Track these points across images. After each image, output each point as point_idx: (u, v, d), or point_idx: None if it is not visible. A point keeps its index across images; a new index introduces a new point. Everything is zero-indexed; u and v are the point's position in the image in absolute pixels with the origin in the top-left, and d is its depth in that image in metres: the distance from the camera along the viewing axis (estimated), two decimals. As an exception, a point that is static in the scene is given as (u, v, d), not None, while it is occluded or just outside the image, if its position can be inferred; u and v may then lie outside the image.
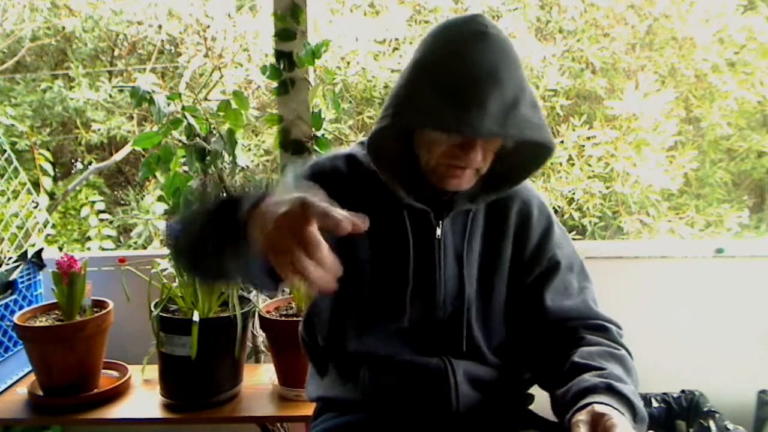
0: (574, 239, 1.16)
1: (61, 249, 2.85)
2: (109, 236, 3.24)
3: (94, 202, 3.32)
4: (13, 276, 1.75)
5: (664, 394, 1.85)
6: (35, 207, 1.98)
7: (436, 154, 0.95)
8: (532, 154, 0.99)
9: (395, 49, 3.07)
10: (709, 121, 3.06)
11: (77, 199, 3.37)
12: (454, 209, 1.03)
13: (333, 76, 1.87)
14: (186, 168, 1.67)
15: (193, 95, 2.86)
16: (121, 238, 3.38)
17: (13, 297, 1.75)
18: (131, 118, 3.53)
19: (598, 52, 3.06)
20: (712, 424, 1.71)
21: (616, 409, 0.82)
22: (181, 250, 0.91)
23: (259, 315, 1.63)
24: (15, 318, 1.61)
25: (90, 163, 3.73)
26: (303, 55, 1.74)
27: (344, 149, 1.10)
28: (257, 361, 1.85)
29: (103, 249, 3.15)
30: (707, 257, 1.91)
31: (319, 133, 1.77)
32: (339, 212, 0.71)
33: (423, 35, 0.99)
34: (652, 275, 1.92)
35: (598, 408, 0.82)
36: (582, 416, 0.82)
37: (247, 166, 1.68)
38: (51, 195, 3.22)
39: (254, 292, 1.68)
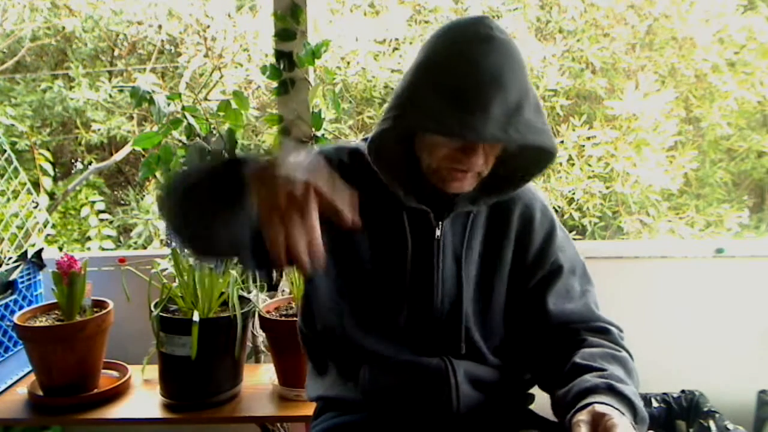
0: (574, 239, 1.16)
1: (61, 249, 2.85)
2: (109, 236, 3.25)
3: (94, 202, 3.32)
4: (13, 276, 1.75)
5: (664, 394, 1.85)
6: (35, 207, 1.98)
7: (438, 157, 0.94)
8: (534, 158, 0.99)
9: (395, 49, 3.07)
10: (709, 121, 3.06)
11: (77, 199, 3.37)
12: (454, 210, 1.03)
13: (333, 76, 1.87)
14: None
15: (193, 95, 2.86)
16: (121, 238, 3.38)
17: (13, 297, 1.75)
18: (131, 118, 3.53)
19: (598, 52, 3.06)
20: (712, 424, 1.71)
21: (616, 409, 0.83)
22: (175, 204, 0.86)
23: (259, 315, 1.63)
24: (15, 318, 1.61)
25: (90, 163, 3.73)
26: (303, 55, 1.74)
27: (350, 143, 1.09)
28: (257, 361, 1.85)
29: (103, 249, 3.15)
30: (707, 257, 1.91)
31: (319, 133, 1.77)
32: (342, 203, 0.72)
33: (426, 36, 0.99)
34: (652, 275, 1.92)
35: (599, 408, 0.82)
36: (583, 416, 0.82)
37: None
38: (51, 195, 3.22)
39: (254, 292, 1.68)
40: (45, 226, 1.99)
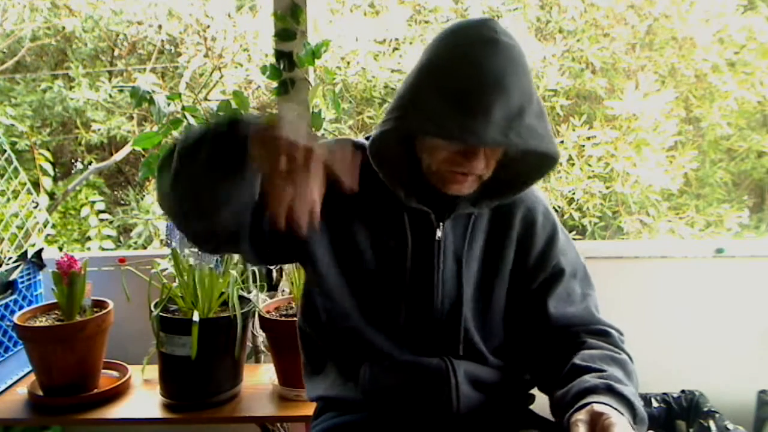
0: (574, 239, 1.16)
1: (61, 249, 2.85)
2: (109, 236, 3.25)
3: (94, 202, 3.32)
4: (13, 276, 1.75)
5: (664, 394, 1.85)
6: (35, 207, 1.98)
7: (438, 160, 0.94)
8: (536, 163, 0.99)
9: (395, 49, 3.07)
10: (709, 121, 3.06)
11: (77, 199, 3.37)
12: (455, 212, 1.03)
13: (333, 76, 1.87)
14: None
15: (193, 95, 2.86)
16: (121, 238, 3.38)
17: (13, 297, 1.75)
18: (131, 118, 3.53)
19: (598, 52, 3.05)
20: (712, 424, 1.71)
21: (615, 409, 0.83)
22: (175, 173, 0.85)
23: (259, 315, 1.63)
24: (15, 318, 1.61)
25: (90, 163, 3.73)
26: (303, 55, 1.74)
27: (354, 139, 1.09)
28: (257, 361, 1.85)
29: (103, 249, 3.15)
30: (707, 257, 1.91)
31: (319, 133, 1.77)
32: (342, 168, 0.75)
33: (426, 36, 0.99)
34: (652, 275, 1.92)
35: (597, 407, 0.82)
36: (581, 415, 0.82)
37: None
38: (51, 195, 3.23)
39: (254, 292, 1.68)
40: (45, 226, 1.99)
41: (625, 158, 2.86)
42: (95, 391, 1.63)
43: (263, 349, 1.84)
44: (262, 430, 1.71)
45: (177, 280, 1.58)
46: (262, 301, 1.68)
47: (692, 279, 1.92)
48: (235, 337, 1.57)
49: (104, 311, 1.64)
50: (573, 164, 2.90)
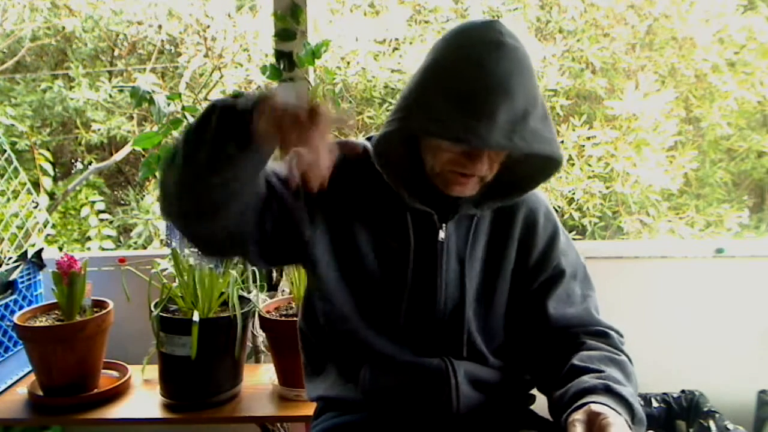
0: (574, 239, 1.16)
1: (61, 249, 2.85)
2: (109, 236, 3.25)
3: (94, 202, 3.32)
4: (13, 276, 1.75)
5: (664, 394, 1.85)
6: (35, 207, 1.98)
7: (442, 161, 0.94)
8: (540, 166, 0.99)
9: (395, 49, 3.07)
10: (709, 121, 3.06)
11: (77, 199, 3.37)
12: (458, 213, 1.03)
13: (333, 76, 1.87)
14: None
15: (193, 95, 2.86)
16: (121, 238, 3.38)
17: (13, 297, 1.75)
18: (131, 118, 3.53)
19: (598, 52, 3.05)
20: (712, 424, 1.71)
21: (613, 409, 0.83)
22: (179, 174, 0.85)
23: (259, 315, 1.63)
24: (15, 318, 1.61)
25: (90, 163, 3.73)
26: (303, 55, 1.74)
27: (357, 141, 1.09)
28: (257, 361, 1.85)
29: (103, 249, 3.15)
30: (707, 257, 1.91)
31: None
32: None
33: (428, 36, 0.99)
34: (652, 275, 1.92)
35: (595, 407, 0.82)
36: (578, 415, 0.82)
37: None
38: (51, 195, 3.22)
39: (254, 292, 1.68)
40: (45, 226, 1.99)
41: (625, 158, 2.86)
42: (95, 391, 1.63)
43: (263, 349, 1.84)
44: (262, 430, 1.71)
45: (177, 280, 1.58)
46: (262, 301, 1.68)
47: (692, 279, 1.92)
48: (235, 337, 1.57)
49: (104, 311, 1.64)
50: (573, 164, 2.90)
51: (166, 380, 1.60)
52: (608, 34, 3.14)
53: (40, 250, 1.85)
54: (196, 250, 0.95)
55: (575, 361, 0.96)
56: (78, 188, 3.32)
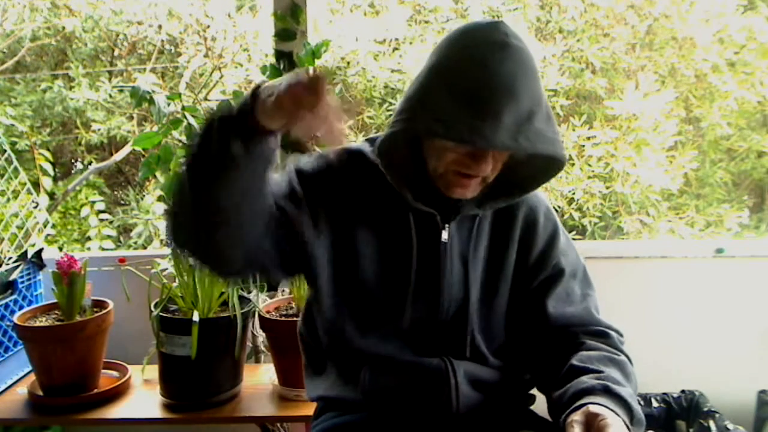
0: (574, 239, 1.16)
1: (61, 249, 2.85)
2: (109, 236, 3.24)
3: (94, 202, 3.32)
4: (13, 276, 1.75)
5: (664, 394, 1.85)
6: (35, 207, 1.98)
7: (446, 162, 0.94)
8: (543, 166, 0.99)
9: (395, 49, 3.07)
10: (709, 121, 3.06)
11: (77, 199, 3.37)
12: (460, 213, 1.03)
13: (333, 76, 1.87)
14: (186, 168, 1.66)
15: (193, 95, 2.86)
16: (121, 238, 3.38)
17: (13, 297, 1.75)
18: (131, 118, 3.53)
19: (598, 52, 3.05)
20: (712, 424, 1.71)
21: (611, 410, 0.83)
22: (185, 176, 0.86)
23: (259, 315, 1.63)
24: (15, 318, 1.61)
25: (90, 163, 3.73)
26: (303, 55, 1.74)
27: (353, 144, 1.09)
28: (257, 361, 1.85)
29: (103, 249, 3.15)
30: (707, 257, 1.91)
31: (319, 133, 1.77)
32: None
33: (428, 36, 0.99)
34: (652, 275, 1.92)
35: (593, 408, 0.82)
36: (577, 416, 0.83)
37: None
38: (51, 195, 3.22)
39: (254, 292, 1.68)
40: (45, 226, 1.99)
41: (625, 158, 2.86)
42: (95, 391, 1.63)
43: (263, 349, 1.84)
44: (262, 430, 1.71)
45: (177, 280, 1.58)
46: (262, 301, 1.68)
47: (692, 279, 1.92)
48: (235, 337, 1.57)
49: (104, 311, 1.64)
50: (573, 164, 2.90)
51: (166, 380, 1.60)
52: (608, 34, 3.14)
53: (40, 250, 1.85)
54: (215, 273, 0.96)
55: (574, 361, 0.96)
56: (78, 188, 3.32)
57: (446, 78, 0.91)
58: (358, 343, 1.04)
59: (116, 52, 3.80)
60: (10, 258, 1.79)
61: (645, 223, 2.94)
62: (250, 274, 0.98)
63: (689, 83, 3.14)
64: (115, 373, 1.73)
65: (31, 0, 3.49)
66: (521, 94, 0.88)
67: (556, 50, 3.03)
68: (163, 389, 1.61)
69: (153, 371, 1.67)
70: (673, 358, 1.91)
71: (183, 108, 1.64)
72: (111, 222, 3.31)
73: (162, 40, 3.54)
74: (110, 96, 3.45)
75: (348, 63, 3.01)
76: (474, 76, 0.88)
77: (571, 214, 2.91)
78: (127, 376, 1.69)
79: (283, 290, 1.78)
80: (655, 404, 1.83)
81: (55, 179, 3.44)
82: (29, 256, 1.82)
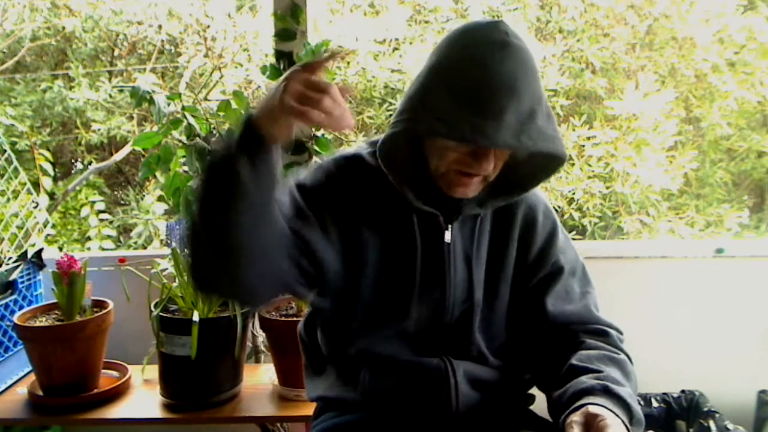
0: (574, 239, 1.16)
1: (61, 249, 2.85)
2: (109, 236, 3.24)
3: (94, 202, 3.32)
4: (13, 276, 1.75)
5: (664, 394, 1.85)
6: (35, 207, 1.98)
7: (447, 161, 0.94)
8: (543, 163, 0.99)
9: (395, 49, 3.07)
10: (709, 121, 3.06)
11: (77, 199, 3.37)
12: (462, 213, 1.02)
13: (333, 76, 1.87)
14: (186, 168, 1.67)
15: (193, 95, 2.86)
16: (121, 238, 3.38)
17: (13, 297, 1.75)
18: (131, 118, 3.53)
19: (598, 52, 3.06)
20: (712, 424, 1.71)
21: (611, 410, 0.83)
22: (207, 226, 0.86)
23: (259, 315, 1.63)
24: (15, 318, 1.61)
25: (90, 163, 3.73)
26: (303, 55, 1.74)
27: (350, 150, 1.09)
28: (257, 361, 1.85)
29: (103, 249, 3.15)
30: (707, 257, 1.91)
31: (319, 133, 1.77)
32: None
33: (428, 36, 1.00)
34: (652, 275, 1.92)
35: (593, 409, 0.82)
36: (576, 417, 0.83)
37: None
38: (51, 195, 3.22)
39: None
40: (45, 226, 1.99)
41: (625, 158, 2.86)
42: (95, 391, 1.63)
43: (263, 349, 1.84)
44: (262, 430, 1.71)
45: (177, 280, 1.58)
46: (262, 301, 1.68)
47: (692, 279, 1.92)
48: (235, 337, 1.57)
49: (104, 311, 1.64)
50: (573, 164, 2.90)
51: (166, 380, 1.60)
52: (608, 34, 3.14)
53: (40, 250, 1.85)
54: (246, 305, 0.96)
55: (574, 360, 0.95)
56: (78, 188, 3.32)
57: (447, 78, 0.91)
58: (360, 344, 1.03)
59: (116, 52, 3.80)
60: (10, 258, 1.79)
61: (645, 223, 2.94)
62: (278, 296, 0.98)
63: (689, 83, 3.14)
64: (115, 373, 1.73)
65: (31, 0, 3.49)
66: (522, 93, 0.88)
67: (556, 50, 3.03)
68: (163, 389, 1.61)
69: (153, 371, 1.67)
70: (673, 358, 1.91)
71: (183, 108, 1.64)
72: (111, 222, 3.31)
73: (162, 40, 3.54)
74: (110, 96, 3.45)
75: (348, 63, 3.01)
76: (474, 75, 0.88)
77: (571, 214, 2.91)
78: (127, 376, 1.69)
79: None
80: (655, 404, 1.83)
81: (55, 179, 3.44)
82: (29, 256, 1.82)
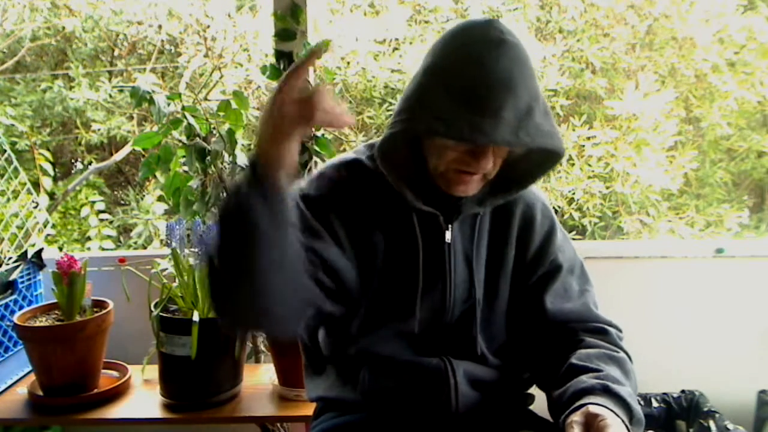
0: (574, 239, 1.16)
1: (61, 249, 2.85)
2: (109, 236, 3.24)
3: (94, 202, 3.32)
4: (13, 276, 1.75)
5: (664, 394, 1.85)
6: (35, 207, 1.98)
7: (447, 160, 0.94)
8: (540, 160, 0.99)
9: (395, 49, 3.07)
10: (709, 121, 3.06)
11: (77, 199, 3.37)
12: (462, 213, 1.03)
13: (333, 76, 1.87)
14: (186, 168, 1.67)
15: (193, 95, 2.86)
16: (121, 238, 3.38)
17: (13, 297, 1.75)
18: (131, 118, 3.53)
19: (598, 52, 3.06)
20: (712, 424, 1.71)
21: (611, 410, 0.83)
22: (226, 266, 0.85)
23: (259, 315, 1.63)
24: (15, 318, 1.61)
25: (90, 163, 3.73)
26: (303, 55, 1.74)
27: (348, 155, 1.09)
28: (257, 361, 1.85)
29: (103, 249, 3.15)
30: (707, 257, 1.91)
31: (319, 133, 1.77)
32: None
33: (428, 36, 1.00)
34: (652, 275, 1.92)
35: (593, 408, 0.82)
36: (576, 417, 0.83)
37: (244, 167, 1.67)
38: (51, 195, 3.22)
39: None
40: (45, 226, 1.99)
41: (625, 158, 2.86)
42: (95, 391, 1.63)
43: (263, 349, 1.84)
44: (262, 430, 1.71)
45: (177, 280, 1.58)
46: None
47: (692, 279, 1.92)
48: (235, 337, 1.56)
49: (104, 311, 1.64)
50: (573, 164, 2.90)
51: (166, 380, 1.60)
52: (608, 34, 3.14)
53: (40, 250, 1.85)
54: (278, 335, 0.95)
55: (574, 360, 0.95)
56: (78, 188, 3.32)
57: (444, 77, 0.91)
58: (361, 344, 1.03)
59: (116, 52, 3.80)
60: (10, 258, 1.79)
61: (645, 223, 2.94)
62: (307, 317, 0.97)
63: (689, 83, 3.14)
64: (115, 373, 1.73)
65: (31, 0, 3.49)
66: (519, 90, 0.88)
67: (556, 50, 3.03)
68: (163, 389, 1.61)
69: (153, 371, 1.67)
70: (673, 358, 1.90)
71: (183, 108, 1.64)
72: (111, 222, 3.31)
73: (162, 40, 3.54)
74: (110, 96, 3.45)
75: (348, 63, 3.01)
76: (471, 73, 0.88)
77: (571, 214, 2.91)
78: (127, 376, 1.69)
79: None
80: (655, 404, 1.83)
81: (55, 179, 3.44)
82: (29, 256, 1.82)
